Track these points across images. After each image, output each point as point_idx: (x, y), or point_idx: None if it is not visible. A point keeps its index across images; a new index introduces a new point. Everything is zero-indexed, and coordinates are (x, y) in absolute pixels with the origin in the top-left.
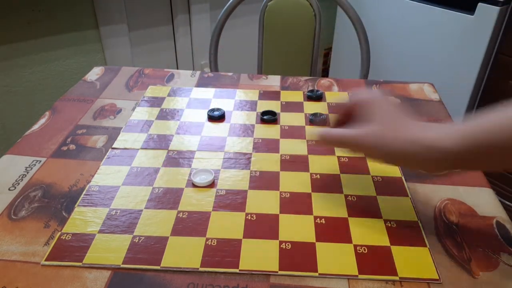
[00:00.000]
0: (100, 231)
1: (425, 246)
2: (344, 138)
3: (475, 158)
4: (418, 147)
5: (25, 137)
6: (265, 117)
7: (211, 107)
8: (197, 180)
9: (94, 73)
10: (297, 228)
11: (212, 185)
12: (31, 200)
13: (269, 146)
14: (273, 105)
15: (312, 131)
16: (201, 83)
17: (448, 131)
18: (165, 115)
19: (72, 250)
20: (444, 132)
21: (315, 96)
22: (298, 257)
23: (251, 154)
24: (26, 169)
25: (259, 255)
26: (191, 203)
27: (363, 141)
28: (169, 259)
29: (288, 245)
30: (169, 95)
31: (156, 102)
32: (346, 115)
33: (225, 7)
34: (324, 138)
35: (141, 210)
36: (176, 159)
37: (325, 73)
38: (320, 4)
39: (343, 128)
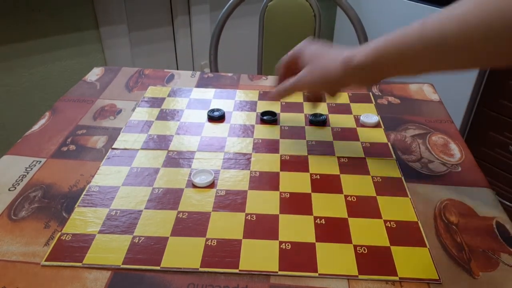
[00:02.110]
0: (100, 232)
1: (425, 246)
2: (290, 85)
3: (386, 66)
4: (339, 65)
5: (25, 138)
6: (265, 117)
7: (211, 107)
8: (197, 180)
9: (94, 74)
10: (297, 228)
11: (212, 185)
12: (31, 200)
13: (269, 146)
14: (273, 106)
15: (269, 93)
16: (201, 84)
17: (362, 47)
18: (165, 115)
19: (72, 250)
20: (358, 49)
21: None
22: (298, 257)
23: (251, 154)
24: (26, 170)
25: (259, 255)
26: (191, 203)
27: (302, 80)
28: (169, 260)
29: (288, 245)
30: (169, 95)
31: (156, 102)
32: (289, 71)
33: (225, 7)
34: (278, 92)
35: (141, 211)
36: (176, 160)
37: None
38: (320, 4)
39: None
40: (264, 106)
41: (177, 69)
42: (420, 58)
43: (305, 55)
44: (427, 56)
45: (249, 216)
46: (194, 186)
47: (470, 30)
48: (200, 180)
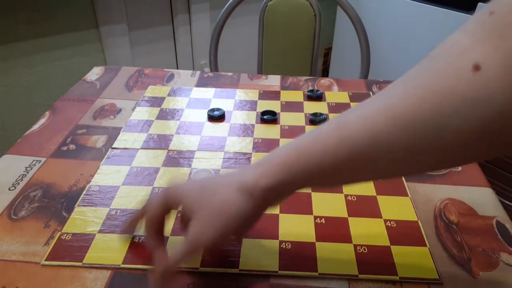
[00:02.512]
0: (100, 231)
1: (425, 246)
2: (184, 251)
3: (303, 181)
4: (241, 199)
5: (25, 137)
6: (265, 116)
7: (211, 107)
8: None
9: (94, 73)
10: (297, 228)
11: None
12: (31, 200)
13: (269, 146)
14: (273, 105)
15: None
16: (201, 83)
17: (261, 167)
18: (165, 115)
19: (72, 250)
20: (256, 170)
21: (315, 96)
22: (298, 257)
23: (251, 154)
24: (26, 169)
25: (259, 255)
26: None
27: (201, 239)
28: None
29: (288, 245)
30: (169, 95)
31: (156, 102)
32: (158, 233)
33: (225, 6)
34: (169, 268)
35: None
36: (176, 159)
37: (325, 73)
38: (320, 4)
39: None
40: (264, 105)
41: (177, 68)
42: (347, 167)
43: (186, 199)
44: (356, 164)
45: None
46: None
47: (405, 127)
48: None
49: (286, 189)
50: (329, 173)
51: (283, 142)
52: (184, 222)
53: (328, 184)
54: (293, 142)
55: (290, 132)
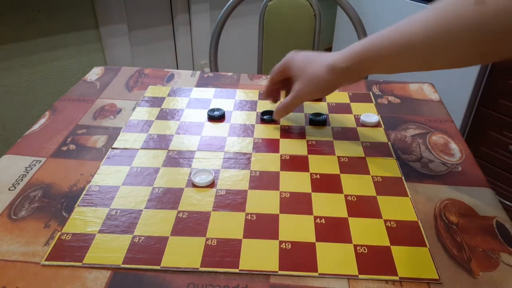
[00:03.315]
0: (100, 231)
1: (425, 246)
2: (289, 101)
3: (367, 67)
4: (326, 72)
5: (25, 137)
6: (265, 117)
7: (211, 107)
8: (197, 180)
9: (94, 73)
10: (297, 228)
11: (212, 185)
12: (31, 200)
13: (269, 146)
14: (273, 105)
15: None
16: (201, 83)
17: (344, 52)
18: (165, 115)
19: (72, 250)
20: (341, 54)
21: None
22: (298, 257)
23: (251, 154)
24: (26, 169)
25: (259, 255)
26: (191, 203)
27: (299, 94)
28: (169, 259)
29: (288, 245)
30: (169, 95)
31: (156, 102)
32: (279, 82)
33: (225, 7)
34: (280, 111)
35: (141, 210)
36: (176, 159)
37: None
38: (320, 4)
39: (288, 96)
40: (264, 105)
41: (177, 68)
42: (395, 59)
43: (293, 66)
44: (400, 58)
45: (249, 215)
46: (194, 185)
47: (432, 35)
48: (200, 179)
49: (358, 70)
50: (385, 62)
51: (283, 142)
52: (286, 85)
53: (387, 70)
54: (367, 38)
55: (290, 132)
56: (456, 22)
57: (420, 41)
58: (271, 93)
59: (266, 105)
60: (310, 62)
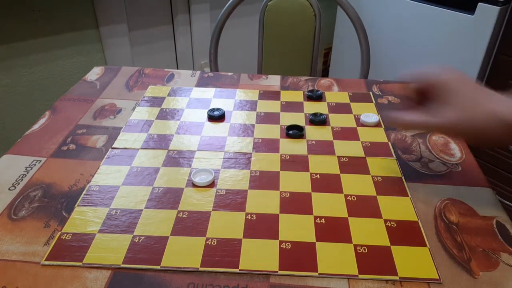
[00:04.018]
0: (100, 231)
1: (425, 246)
2: (428, 126)
3: None
4: (497, 122)
5: (25, 137)
6: (290, 132)
7: (211, 107)
8: (197, 180)
9: (94, 73)
10: (297, 228)
11: (212, 185)
12: (31, 200)
13: (269, 146)
14: (273, 105)
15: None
16: (201, 83)
17: None
18: (165, 115)
19: (72, 250)
20: None
21: (315, 96)
22: (298, 257)
23: (251, 154)
24: (26, 169)
25: (259, 255)
26: (191, 203)
27: (445, 128)
28: (169, 259)
29: (288, 245)
30: (169, 95)
31: (156, 102)
32: (420, 94)
33: (225, 7)
34: (407, 125)
35: (141, 210)
36: (176, 159)
37: (325, 73)
38: (320, 4)
39: (422, 114)
40: (264, 105)
41: (177, 68)
42: None
43: (448, 90)
44: None
45: (249, 215)
46: (194, 185)
47: None
48: (200, 179)
49: None
50: None
51: (283, 142)
52: (419, 95)
53: None
54: None
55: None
56: None
57: None
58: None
59: (266, 105)
60: (477, 99)
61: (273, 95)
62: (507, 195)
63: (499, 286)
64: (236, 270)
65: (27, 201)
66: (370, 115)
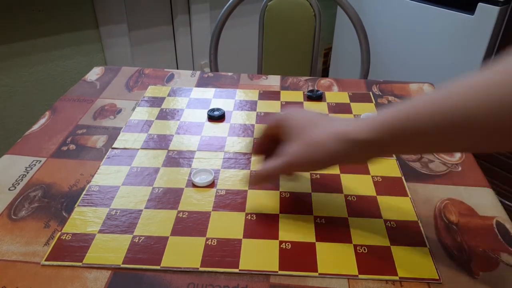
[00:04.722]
0: (100, 231)
1: (425, 246)
2: (276, 168)
3: (393, 145)
4: (340, 142)
5: (25, 137)
6: None
7: (211, 107)
8: (197, 180)
9: (94, 73)
10: (297, 228)
11: (212, 185)
12: (31, 200)
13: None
14: (273, 105)
15: (249, 176)
16: (201, 83)
17: (362, 122)
18: (165, 115)
19: (72, 250)
20: (362, 124)
21: (315, 96)
22: (298, 257)
23: (251, 154)
24: (26, 169)
25: (259, 255)
26: (191, 203)
27: (291, 160)
28: (169, 259)
29: (288, 245)
30: (169, 95)
31: (156, 102)
32: (271, 141)
33: (225, 7)
34: (259, 177)
35: (141, 210)
36: (176, 159)
37: (325, 73)
38: (320, 4)
39: (270, 160)
40: (264, 106)
41: (177, 68)
42: (437, 137)
43: (290, 124)
44: (447, 134)
45: (249, 215)
46: (194, 185)
47: (500, 105)
48: (200, 179)
49: (376, 147)
50: (420, 139)
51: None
52: (271, 142)
53: (419, 150)
54: (395, 108)
55: None
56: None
57: (481, 114)
58: (263, 150)
59: (266, 105)
60: (312, 124)
61: (273, 95)
62: (507, 195)
63: (499, 286)
64: (236, 270)
65: (27, 201)
66: (370, 115)
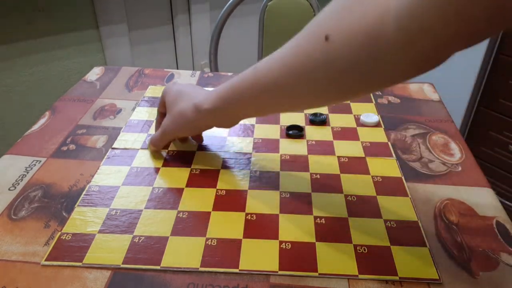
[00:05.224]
0: (100, 231)
1: (425, 246)
2: (158, 136)
3: (232, 110)
4: (195, 112)
5: (25, 137)
6: (290, 132)
7: None
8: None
9: (94, 73)
10: (297, 228)
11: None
12: (31, 200)
13: (269, 146)
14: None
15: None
16: (201, 83)
17: (211, 93)
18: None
19: (72, 250)
20: (208, 96)
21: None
22: (298, 257)
23: (251, 154)
24: (26, 169)
25: (259, 255)
26: (191, 203)
27: (166, 129)
28: (169, 259)
29: (288, 245)
30: None
31: (156, 102)
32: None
33: (225, 7)
34: (152, 145)
35: (141, 210)
36: (176, 159)
37: None
38: (320, 4)
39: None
40: None
41: (177, 68)
42: (259, 101)
43: (167, 99)
44: (262, 100)
45: (249, 215)
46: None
47: (291, 73)
48: None
49: (222, 114)
50: (248, 105)
51: (283, 142)
52: (161, 116)
53: (253, 113)
54: (232, 79)
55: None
56: (309, 61)
57: (279, 82)
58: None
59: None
60: (181, 96)
61: None
62: (507, 195)
63: (499, 286)
64: (236, 270)
65: (27, 201)
66: (370, 115)
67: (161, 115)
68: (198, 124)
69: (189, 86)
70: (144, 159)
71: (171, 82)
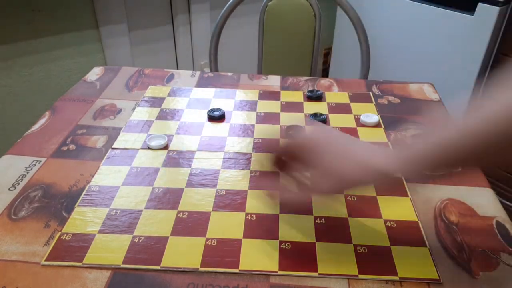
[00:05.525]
0: (100, 231)
1: (425, 246)
2: (303, 195)
3: (413, 175)
4: (371, 176)
5: (25, 137)
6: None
7: (211, 107)
8: (153, 144)
9: (94, 73)
10: (297, 228)
11: (166, 147)
12: (31, 200)
13: (269, 146)
14: (273, 105)
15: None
16: (201, 83)
17: (395, 155)
18: (165, 115)
19: (72, 250)
20: (390, 157)
21: (315, 96)
22: (298, 257)
23: (251, 154)
24: (26, 169)
25: (259, 255)
26: (191, 203)
27: (323, 197)
28: (169, 259)
29: (288, 245)
30: (169, 95)
31: (156, 102)
32: (287, 157)
33: (225, 7)
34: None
35: (141, 210)
36: (176, 159)
37: (325, 73)
38: (320, 4)
39: (300, 190)
40: (264, 106)
41: (177, 68)
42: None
43: (316, 151)
44: (472, 161)
45: (249, 215)
46: (149, 148)
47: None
48: (155, 143)
49: (406, 174)
50: (449, 166)
51: (282, 142)
52: (284, 162)
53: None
54: (433, 138)
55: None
56: None
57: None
58: (279, 164)
59: (266, 105)
60: (339, 156)
61: (273, 95)
62: (507, 195)
63: (499, 286)
64: (236, 270)
65: (27, 201)
66: (370, 115)
67: (287, 155)
68: (367, 185)
69: (340, 137)
70: (144, 159)
71: (317, 128)
